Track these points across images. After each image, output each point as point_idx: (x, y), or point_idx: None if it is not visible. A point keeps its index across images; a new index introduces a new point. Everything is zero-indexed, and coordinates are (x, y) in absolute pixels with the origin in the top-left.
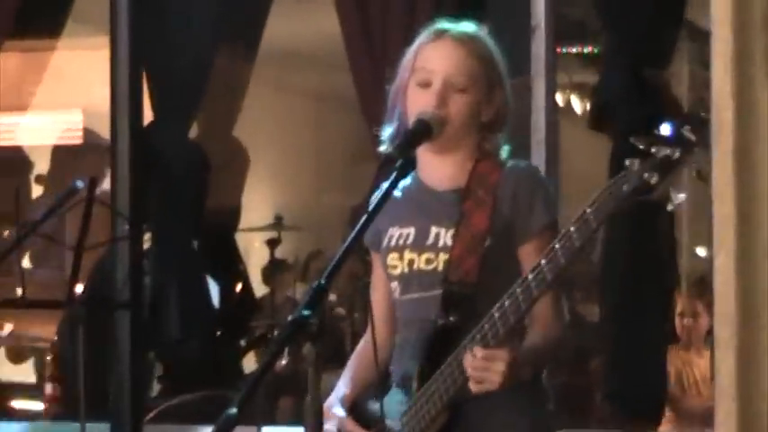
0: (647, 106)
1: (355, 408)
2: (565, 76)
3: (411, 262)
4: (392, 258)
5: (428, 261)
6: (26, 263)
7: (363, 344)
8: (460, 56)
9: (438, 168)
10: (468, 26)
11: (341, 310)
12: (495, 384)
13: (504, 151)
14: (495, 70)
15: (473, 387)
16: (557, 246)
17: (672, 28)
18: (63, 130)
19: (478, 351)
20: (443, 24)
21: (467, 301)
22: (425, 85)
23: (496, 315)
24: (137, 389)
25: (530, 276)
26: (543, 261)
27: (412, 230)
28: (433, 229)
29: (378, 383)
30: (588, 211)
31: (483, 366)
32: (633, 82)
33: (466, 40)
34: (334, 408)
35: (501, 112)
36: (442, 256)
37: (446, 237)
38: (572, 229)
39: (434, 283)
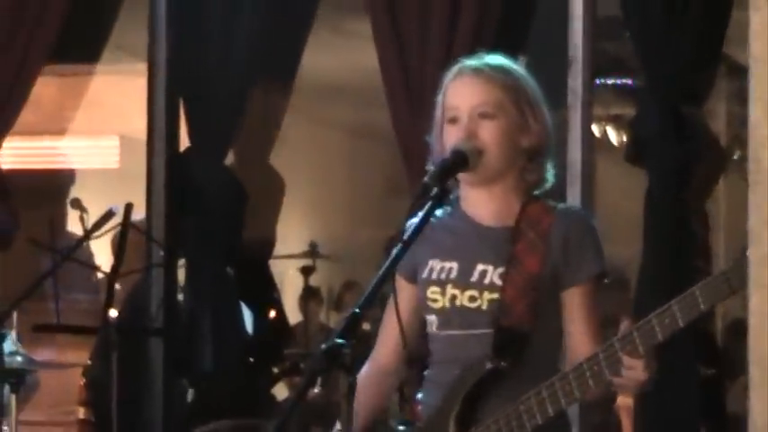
0: (683, 142)
1: None
2: (601, 108)
3: (453, 297)
4: (432, 292)
5: (471, 299)
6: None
7: (368, 370)
8: (482, 86)
9: (484, 203)
10: (492, 58)
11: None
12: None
13: (550, 177)
14: (524, 96)
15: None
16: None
17: (709, 64)
18: (100, 155)
19: (635, 363)
20: (466, 61)
21: (519, 347)
22: (455, 121)
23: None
24: (169, 415)
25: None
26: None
27: (455, 265)
28: (479, 266)
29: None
30: (698, 293)
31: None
32: (669, 117)
33: (486, 71)
34: None
35: (540, 138)
36: (487, 295)
37: (493, 275)
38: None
39: (477, 322)
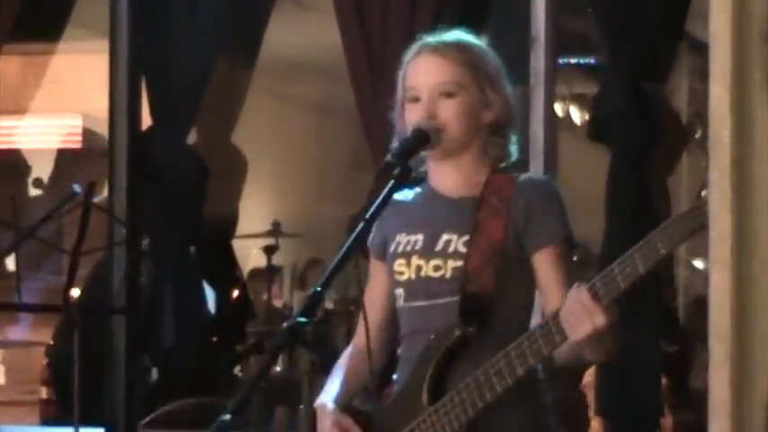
0: (645, 120)
1: (347, 411)
2: (564, 86)
3: (419, 268)
4: (399, 264)
5: (436, 268)
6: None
7: (351, 351)
8: (441, 65)
9: (448, 175)
10: (451, 35)
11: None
12: (581, 334)
13: (513, 151)
14: (484, 71)
15: (567, 326)
16: (615, 269)
17: (671, 41)
18: (62, 134)
19: (585, 296)
20: (425, 39)
21: (485, 313)
22: (415, 100)
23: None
24: (132, 394)
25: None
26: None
27: (420, 237)
28: (444, 236)
29: (374, 388)
30: (657, 237)
31: (585, 312)
32: (632, 95)
33: (444, 49)
34: (328, 405)
35: (501, 113)
36: (451, 263)
37: (458, 243)
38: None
39: (441, 291)
